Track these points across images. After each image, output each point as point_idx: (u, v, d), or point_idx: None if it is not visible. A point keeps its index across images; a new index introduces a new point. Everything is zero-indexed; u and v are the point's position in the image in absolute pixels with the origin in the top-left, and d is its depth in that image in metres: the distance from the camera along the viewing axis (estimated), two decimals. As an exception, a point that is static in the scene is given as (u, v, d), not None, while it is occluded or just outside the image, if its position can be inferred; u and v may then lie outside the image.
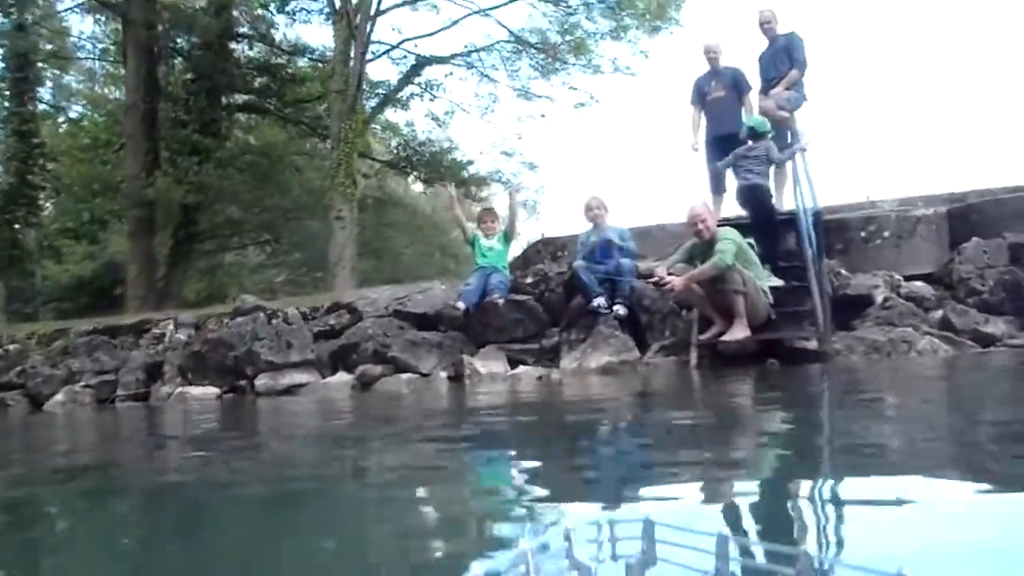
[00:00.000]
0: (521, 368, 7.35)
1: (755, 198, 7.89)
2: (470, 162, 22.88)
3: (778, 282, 7.76)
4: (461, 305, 7.83)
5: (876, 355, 5.99)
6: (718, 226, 6.86)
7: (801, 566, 0.74)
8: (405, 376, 7.72)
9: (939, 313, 6.84)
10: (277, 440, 4.47)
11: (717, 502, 1.81)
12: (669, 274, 6.64)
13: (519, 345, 7.84)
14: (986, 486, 1.80)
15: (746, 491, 1.93)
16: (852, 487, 1.92)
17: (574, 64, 20.53)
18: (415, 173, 22.87)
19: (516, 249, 11.94)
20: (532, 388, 6.33)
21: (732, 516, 1.65)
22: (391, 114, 23.69)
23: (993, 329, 6.24)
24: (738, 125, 9.03)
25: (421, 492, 2.36)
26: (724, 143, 9.07)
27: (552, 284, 8.33)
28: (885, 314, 6.65)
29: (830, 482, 2.01)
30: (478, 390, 6.55)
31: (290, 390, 8.21)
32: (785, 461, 2.33)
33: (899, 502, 1.63)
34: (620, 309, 7.43)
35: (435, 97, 22.11)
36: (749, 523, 1.59)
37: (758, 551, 0.88)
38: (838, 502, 1.79)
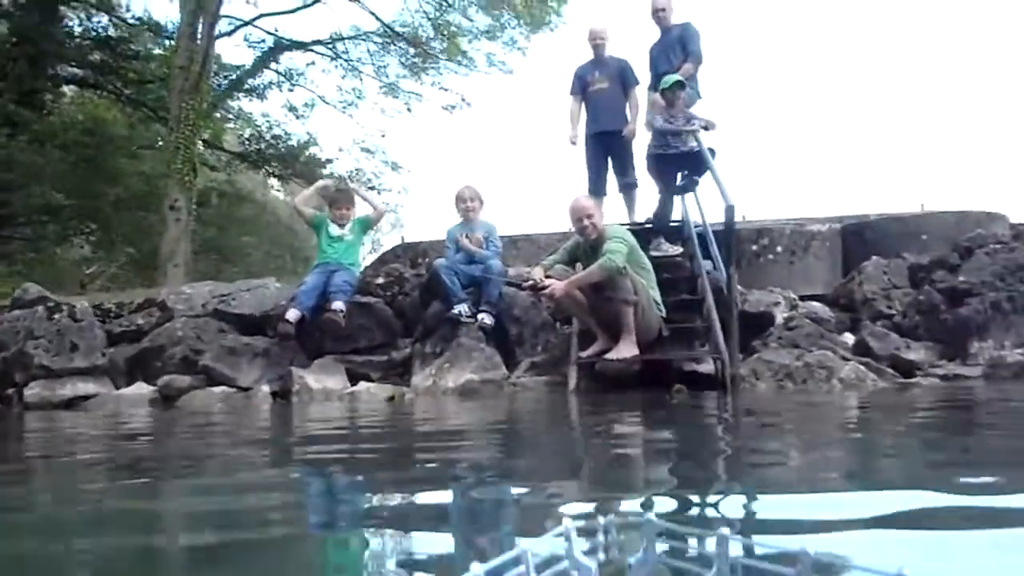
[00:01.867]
0: (363, 385, 6.02)
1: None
2: (329, 160, 21.30)
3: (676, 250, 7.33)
4: (293, 316, 6.35)
5: (789, 383, 5.04)
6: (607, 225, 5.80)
7: (801, 566, 0.72)
8: (219, 390, 6.26)
9: (846, 336, 6.03)
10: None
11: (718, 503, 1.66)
12: (547, 277, 5.52)
13: (363, 357, 6.53)
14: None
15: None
16: None
17: (446, 62, 19.40)
18: (267, 167, 21.00)
19: (372, 256, 10.61)
20: (373, 411, 5.03)
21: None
22: (246, 104, 21.79)
23: (915, 356, 5.45)
24: (622, 121, 8.14)
25: None
26: (606, 140, 8.15)
27: (407, 287, 7.07)
28: (789, 335, 5.76)
29: None
30: (307, 411, 5.21)
31: (72, 403, 6.56)
32: None
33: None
34: (486, 318, 6.26)
35: (294, 87, 20.46)
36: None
37: (758, 551, 0.80)
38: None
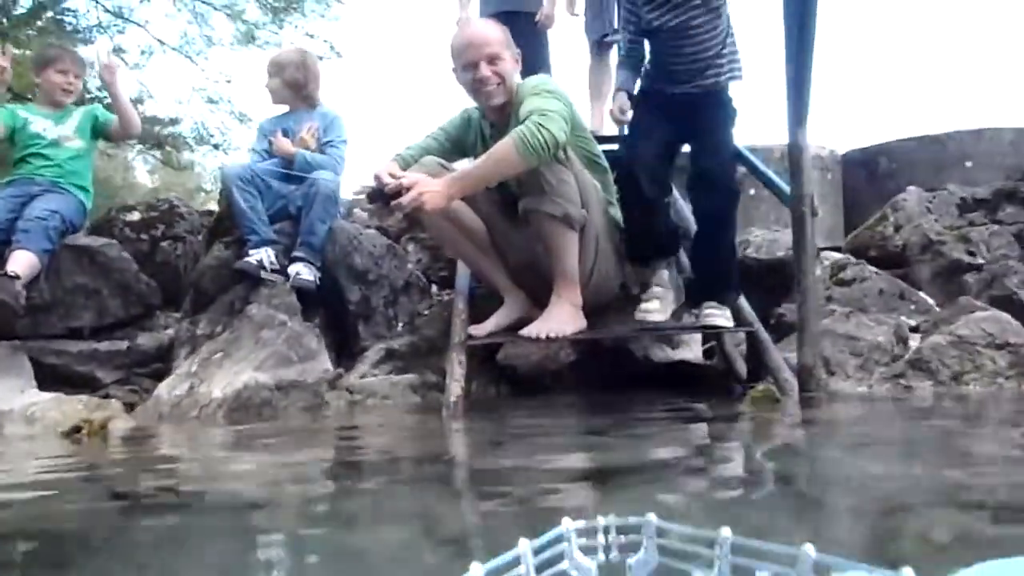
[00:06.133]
0: (43, 399, 3.09)
1: None
2: (174, 120, 17.79)
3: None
4: None
5: (909, 378, 2.48)
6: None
7: (801, 566, 0.68)
8: None
9: (922, 295, 3.56)
10: None
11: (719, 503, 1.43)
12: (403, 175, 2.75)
13: (82, 345, 3.61)
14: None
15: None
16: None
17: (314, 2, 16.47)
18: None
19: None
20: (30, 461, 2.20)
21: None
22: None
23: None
24: (532, 1, 5.52)
25: None
26: (508, 24, 5.47)
27: (180, 228, 4.22)
28: (846, 293, 3.24)
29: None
30: None
31: None
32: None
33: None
34: (302, 272, 3.47)
35: (125, 27, 16.98)
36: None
37: (758, 551, 0.72)
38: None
